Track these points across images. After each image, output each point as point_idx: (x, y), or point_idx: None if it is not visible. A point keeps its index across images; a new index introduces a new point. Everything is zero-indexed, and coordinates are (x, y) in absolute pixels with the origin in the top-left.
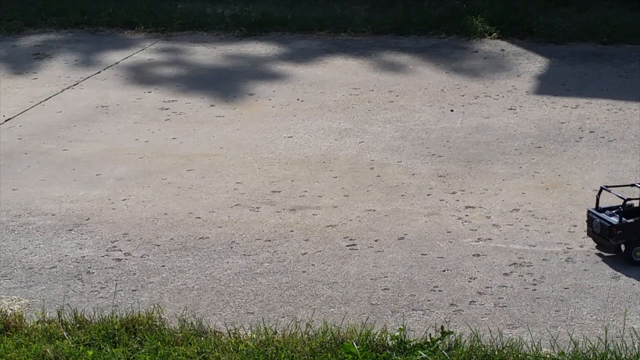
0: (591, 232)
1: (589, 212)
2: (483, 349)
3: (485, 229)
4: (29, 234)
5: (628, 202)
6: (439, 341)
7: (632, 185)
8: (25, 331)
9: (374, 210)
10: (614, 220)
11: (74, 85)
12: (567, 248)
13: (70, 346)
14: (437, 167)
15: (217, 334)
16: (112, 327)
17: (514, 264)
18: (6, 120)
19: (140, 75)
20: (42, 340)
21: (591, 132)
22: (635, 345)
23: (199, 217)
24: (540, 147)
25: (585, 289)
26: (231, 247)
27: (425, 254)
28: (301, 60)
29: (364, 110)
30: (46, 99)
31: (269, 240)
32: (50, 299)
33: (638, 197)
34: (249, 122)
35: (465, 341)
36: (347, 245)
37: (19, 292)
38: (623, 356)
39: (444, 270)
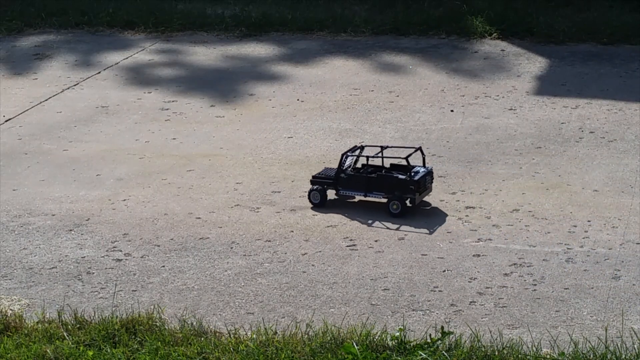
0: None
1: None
2: (483, 349)
3: (485, 229)
4: (29, 234)
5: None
6: (439, 341)
7: (358, 147)
8: (26, 331)
9: (374, 210)
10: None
11: (74, 85)
12: (567, 248)
13: (70, 346)
14: (437, 167)
15: (217, 334)
16: (112, 328)
17: (514, 264)
18: (6, 121)
19: (140, 76)
20: (42, 341)
21: (591, 132)
22: (635, 346)
23: (199, 218)
24: (540, 148)
25: (585, 289)
26: (231, 248)
27: (426, 254)
28: (301, 60)
29: (364, 110)
30: (46, 99)
31: (269, 241)
32: (51, 299)
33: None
34: (249, 122)
35: (466, 341)
36: (347, 246)
37: (19, 293)
38: (623, 356)
39: (444, 271)
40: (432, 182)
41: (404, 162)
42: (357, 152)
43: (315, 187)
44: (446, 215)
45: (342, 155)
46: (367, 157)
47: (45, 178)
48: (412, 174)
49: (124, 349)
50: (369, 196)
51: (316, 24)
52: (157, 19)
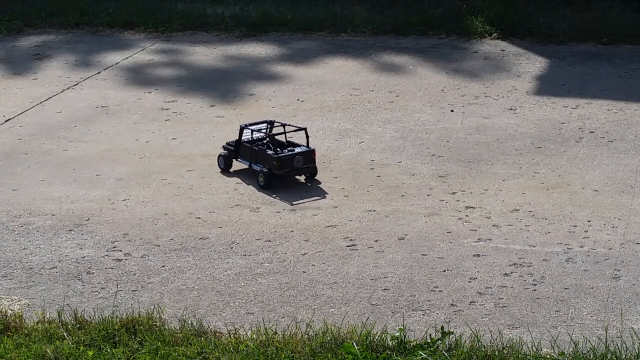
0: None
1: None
2: (483, 349)
3: (485, 229)
4: (29, 234)
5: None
6: (439, 341)
7: (266, 121)
8: (26, 331)
9: (374, 210)
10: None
11: (74, 85)
12: (567, 248)
13: (70, 346)
14: (437, 168)
15: (217, 334)
16: (112, 328)
17: (514, 264)
18: (6, 121)
19: (140, 76)
20: (42, 341)
21: (591, 132)
22: (635, 346)
23: (199, 218)
24: (540, 148)
25: (585, 289)
26: (231, 248)
27: (426, 254)
28: (301, 60)
29: (364, 110)
30: (46, 99)
31: (269, 241)
32: (51, 299)
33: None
34: (250, 122)
35: (466, 341)
36: (347, 246)
37: (19, 293)
38: (623, 356)
39: (444, 271)
40: (312, 162)
41: (303, 141)
42: (261, 126)
43: (222, 153)
44: (446, 215)
45: (240, 127)
46: (252, 131)
47: (45, 178)
48: (287, 150)
49: (124, 349)
50: (253, 166)
51: (316, 24)
52: (157, 19)
